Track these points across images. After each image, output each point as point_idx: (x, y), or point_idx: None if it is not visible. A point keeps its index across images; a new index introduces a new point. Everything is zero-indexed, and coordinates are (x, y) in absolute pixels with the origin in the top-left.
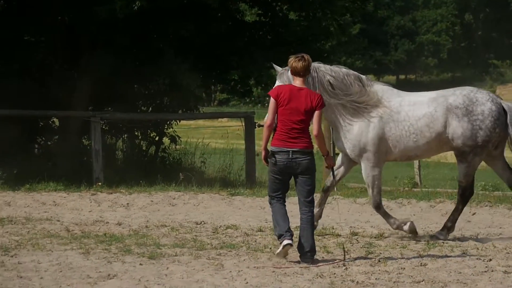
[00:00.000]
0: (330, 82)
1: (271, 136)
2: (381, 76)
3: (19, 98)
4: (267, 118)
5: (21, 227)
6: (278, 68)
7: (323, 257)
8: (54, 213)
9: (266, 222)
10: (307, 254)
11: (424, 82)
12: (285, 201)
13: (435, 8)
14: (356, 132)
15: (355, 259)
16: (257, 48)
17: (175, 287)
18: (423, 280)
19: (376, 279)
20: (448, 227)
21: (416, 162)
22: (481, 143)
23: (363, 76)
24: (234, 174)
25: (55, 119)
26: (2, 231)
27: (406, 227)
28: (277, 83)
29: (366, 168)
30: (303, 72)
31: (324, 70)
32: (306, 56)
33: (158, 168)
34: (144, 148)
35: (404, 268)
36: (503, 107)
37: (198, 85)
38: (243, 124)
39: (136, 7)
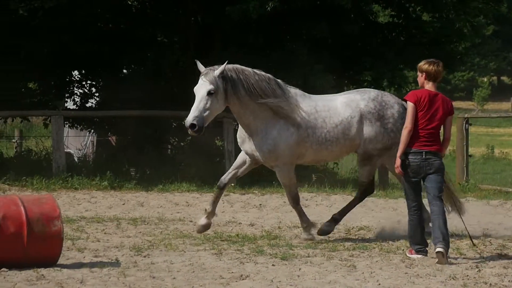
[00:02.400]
0: (255, 85)
1: None
2: None
3: (152, 98)
4: (408, 123)
5: (154, 227)
6: (201, 68)
7: (456, 258)
8: (186, 213)
9: (398, 224)
10: (442, 243)
11: None
12: (422, 211)
13: None
14: (275, 136)
15: (488, 261)
16: (389, 49)
17: None
18: None
19: (509, 281)
20: (335, 219)
21: None
22: (389, 145)
23: (280, 81)
24: None
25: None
26: (136, 232)
27: (313, 231)
28: (203, 82)
29: (283, 172)
30: (439, 77)
31: (248, 73)
32: (440, 62)
33: None
34: None
35: None
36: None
37: (331, 86)
38: None
39: (269, 8)
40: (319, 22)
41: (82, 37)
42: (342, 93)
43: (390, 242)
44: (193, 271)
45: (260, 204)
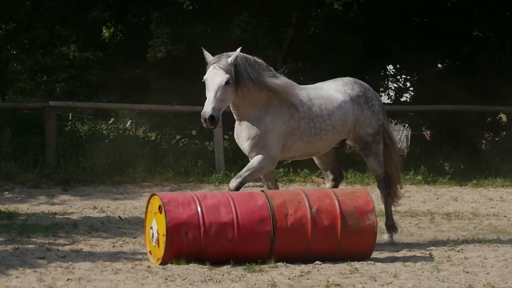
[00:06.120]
0: (257, 73)
1: None
2: None
3: (466, 93)
4: None
5: (468, 222)
6: (209, 56)
7: None
8: (501, 209)
9: None
10: None
11: None
12: None
13: None
14: (267, 123)
15: None
16: None
17: None
18: None
19: None
20: (390, 226)
21: None
22: (377, 128)
23: (272, 69)
24: None
25: (502, 115)
26: (449, 226)
27: None
28: (217, 71)
29: (263, 159)
30: None
31: (251, 61)
32: None
33: None
34: None
35: None
36: None
37: None
38: None
39: None
40: None
41: (397, 32)
42: (318, 83)
43: None
44: (507, 267)
45: None
